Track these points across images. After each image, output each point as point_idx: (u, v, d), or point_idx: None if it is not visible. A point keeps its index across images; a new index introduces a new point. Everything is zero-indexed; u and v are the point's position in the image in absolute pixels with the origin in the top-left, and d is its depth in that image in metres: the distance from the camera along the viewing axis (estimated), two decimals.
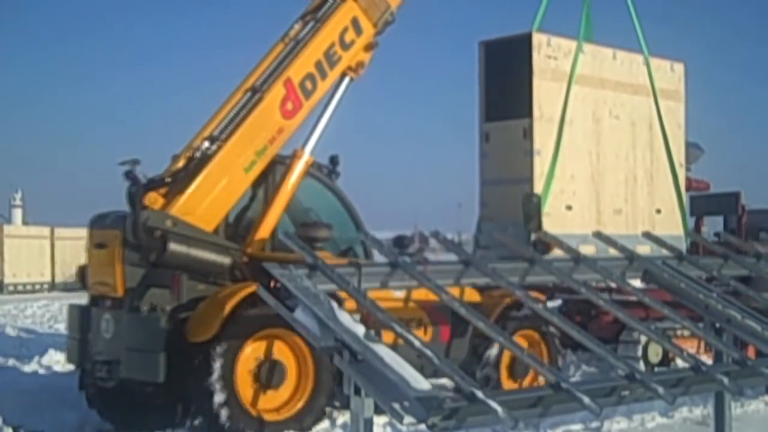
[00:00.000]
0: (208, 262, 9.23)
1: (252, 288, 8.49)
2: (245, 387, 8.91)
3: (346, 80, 10.56)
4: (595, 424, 9.18)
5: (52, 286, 41.58)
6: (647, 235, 9.12)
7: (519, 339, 10.79)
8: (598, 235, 8.57)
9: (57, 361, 13.76)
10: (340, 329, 5.25)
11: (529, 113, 11.36)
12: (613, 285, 9.79)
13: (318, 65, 10.17)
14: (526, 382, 10.67)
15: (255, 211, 10.03)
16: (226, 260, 9.26)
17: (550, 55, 11.55)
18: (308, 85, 10.11)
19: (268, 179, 10.03)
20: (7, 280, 39.71)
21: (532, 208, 11.08)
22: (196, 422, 9.43)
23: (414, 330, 9.74)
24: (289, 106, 9.98)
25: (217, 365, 8.68)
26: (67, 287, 41.63)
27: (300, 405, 9.14)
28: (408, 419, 4.85)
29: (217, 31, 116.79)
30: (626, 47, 12.61)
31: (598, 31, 12.37)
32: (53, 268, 42.42)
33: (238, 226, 9.91)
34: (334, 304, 5.53)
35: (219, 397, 8.66)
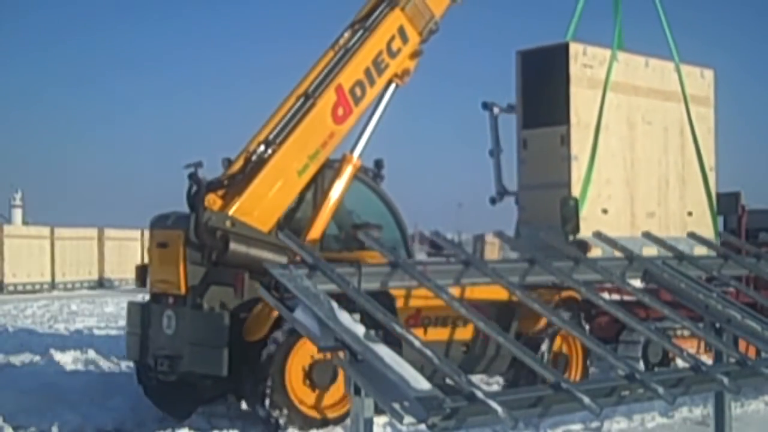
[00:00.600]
0: (266, 261, 9.42)
1: None
2: (298, 386, 9.29)
3: (392, 87, 10.92)
4: (595, 424, 9.18)
5: (52, 286, 41.61)
6: (647, 235, 9.15)
7: (561, 336, 11.36)
8: (598, 236, 8.67)
9: (57, 361, 13.77)
10: (340, 329, 5.25)
11: (567, 120, 11.66)
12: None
13: (367, 72, 10.54)
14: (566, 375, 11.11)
15: (303, 212, 10.38)
16: (283, 259, 9.42)
17: (586, 64, 11.85)
18: (358, 91, 10.47)
19: (317, 182, 10.39)
20: (7, 280, 39.69)
21: (569, 211, 11.37)
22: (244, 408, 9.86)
23: (463, 326, 10.39)
24: (340, 111, 10.34)
25: (270, 364, 9.07)
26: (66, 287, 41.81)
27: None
28: (408, 419, 4.85)
29: (217, 32, 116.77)
30: (657, 54, 12.86)
31: (630, 39, 12.66)
32: (53, 268, 42.44)
33: (287, 227, 10.13)
34: (334, 304, 5.53)
35: (271, 395, 9.09)
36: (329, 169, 10.41)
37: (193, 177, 9.66)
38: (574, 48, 11.76)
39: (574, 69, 11.70)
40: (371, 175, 11.01)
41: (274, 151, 10.01)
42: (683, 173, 12.87)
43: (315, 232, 10.08)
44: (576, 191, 11.54)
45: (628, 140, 12.25)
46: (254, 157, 10.00)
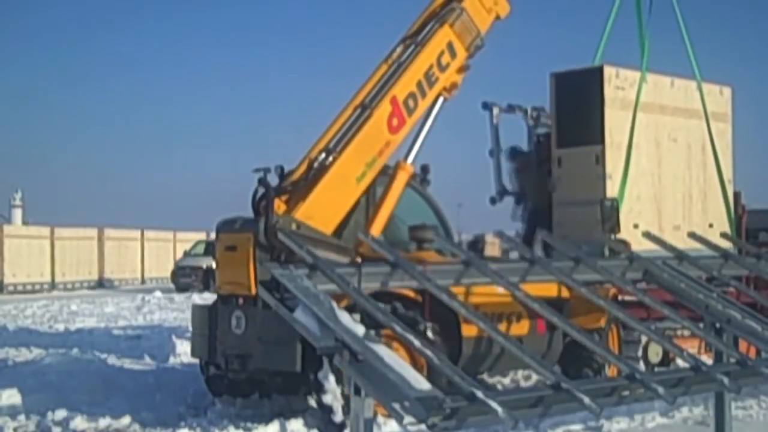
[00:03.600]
0: (330, 262, 9.62)
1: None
2: None
3: (441, 100, 11.35)
4: (595, 424, 9.18)
5: (52, 286, 41.63)
6: (647, 234, 9.17)
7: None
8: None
9: (57, 361, 13.76)
10: (340, 329, 5.25)
11: (602, 140, 12.17)
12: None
13: (419, 85, 11.01)
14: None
15: (359, 217, 10.77)
16: (346, 260, 9.70)
17: (619, 86, 12.38)
18: (411, 103, 10.93)
19: (372, 188, 10.84)
20: (7, 280, 39.76)
21: (608, 211, 11.80)
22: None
23: (514, 323, 10.77)
24: (395, 122, 10.80)
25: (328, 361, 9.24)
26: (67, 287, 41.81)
27: None
28: (408, 419, 4.85)
29: (215, 33, 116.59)
30: (678, 73, 13.43)
31: (653, 58, 13.20)
32: (53, 268, 42.48)
33: (345, 231, 10.55)
34: (334, 304, 5.53)
35: (330, 390, 9.23)
36: (384, 175, 10.85)
37: (262, 181, 10.13)
38: (608, 71, 12.29)
39: (608, 91, 12.21)
40: (418, 179, 11.43)
41: (334, 159, 10.41)
42: (705, 187, 13.45)
43: (374, 233, 10.39)
44: None
45: (656, 158, 12.80)
46: (316, 164, 10.39)
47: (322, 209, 10.19)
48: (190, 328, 11.66)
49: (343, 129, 10.76)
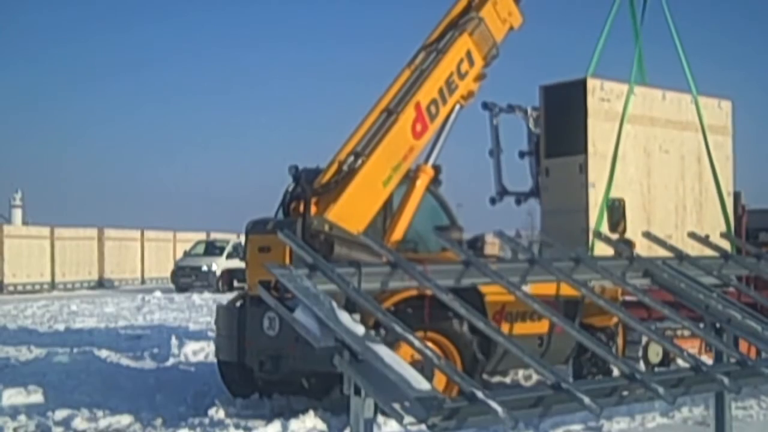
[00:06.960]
0: (366, 263, 9.78)
1: (408, 293, 9.48)
2: None
3: (457, 107, 11.67)
4: (595, 424, 9.18)
5: (52, 286, 41.61)
6: (647, 234, 9.18)
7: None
8: (598, 235, 8.81)
9: (57, 361, 13.77)
10: (340, 329, 5.25)
11: (585, 150, 12.40)
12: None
13: (440, 92, 11.34)
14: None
15: (382, 219, 11.01)
16: (378, 261, 9.66)
17: (603, 98, 12.62)
18: (433, 109, 11.25)
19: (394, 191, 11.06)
20: (7, 280, 39.73)
21: (615, 212, 12.19)
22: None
23: (536, 321, 11.01)
24: (418, 127, 11.11)
25: None
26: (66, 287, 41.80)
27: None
28: (408, 419, 4.84)
29: (216, 33, 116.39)
30: (676, 86, 13.62)
31: (651, 72, 13.48)
32: (53, 268, 42.46)
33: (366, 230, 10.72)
34: (334, 304, 5.52)
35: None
36: (406, 178, 11.07)
37: (299, 182, 10.39)
38: (592, 83, 12.51)
39: (592, 102, 12.44)
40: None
41: (363, 162, 10.61)
42: (701, 198, 13.59)
43: (398, 234, 10.76)
44: (593, 216, 12.19)
45: (645, 168, 12.96)
46: (345, 167, 10.62)
47: (353, 211, 10.37)
48: (193, 327, 11.63)
49: (370, 133, 10.96)
